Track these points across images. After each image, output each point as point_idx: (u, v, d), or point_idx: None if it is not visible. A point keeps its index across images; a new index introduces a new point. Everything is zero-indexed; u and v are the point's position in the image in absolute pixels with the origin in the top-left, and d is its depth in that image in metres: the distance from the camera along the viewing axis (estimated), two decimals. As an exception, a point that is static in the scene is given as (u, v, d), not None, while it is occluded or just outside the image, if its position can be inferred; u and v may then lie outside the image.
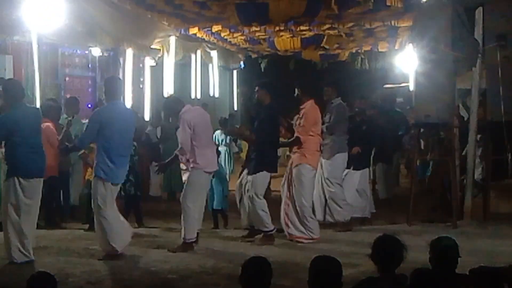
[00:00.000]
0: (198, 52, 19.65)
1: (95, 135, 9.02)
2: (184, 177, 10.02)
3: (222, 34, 17.73)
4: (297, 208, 10.42)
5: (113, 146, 9.00)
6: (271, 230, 10.32)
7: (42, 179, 8.89)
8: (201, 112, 10.24)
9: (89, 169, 11.05)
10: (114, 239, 9.05)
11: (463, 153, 12.34)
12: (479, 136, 12.32)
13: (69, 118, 11.29)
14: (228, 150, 17.29)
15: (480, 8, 11.88)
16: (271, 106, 10.53)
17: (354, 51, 21.55)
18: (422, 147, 14.76)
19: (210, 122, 10.18)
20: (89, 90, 16.00)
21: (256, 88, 10.68)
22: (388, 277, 5.24)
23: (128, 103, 16.00)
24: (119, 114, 9.17)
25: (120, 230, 9.21)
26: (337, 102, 11.29)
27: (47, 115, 10.88)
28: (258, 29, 16.61)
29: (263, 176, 10.37)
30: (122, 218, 9.48)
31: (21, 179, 8.62)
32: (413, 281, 4.96)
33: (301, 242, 10.28)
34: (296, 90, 10.84)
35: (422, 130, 13.21)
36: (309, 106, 10.58)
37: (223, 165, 15.84)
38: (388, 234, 5.56)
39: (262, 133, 10.37)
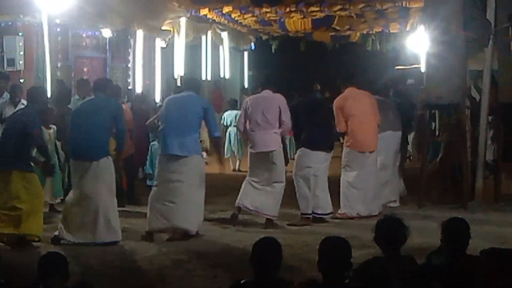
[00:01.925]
0: (209, 33, 19.62)
1: None
2: None
3: (233, 15, 17.70)
4: None
5: None
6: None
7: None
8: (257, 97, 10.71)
9: None
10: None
11: (475, 134, 12.30)
12: (490, 117, 12.26)
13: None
14: (237, 132, 17.28)
15: (492, -11, 11.81)
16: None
17: (365, 32, 21.48)
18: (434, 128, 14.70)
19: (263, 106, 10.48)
20: (100, 71, 15.98)
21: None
22: (393, 258, 5.25)
23: (139, 84, 16.07)
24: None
25: None
26: None
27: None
28: (268, 10, 16.57)
29: (299, 154, 10.75)
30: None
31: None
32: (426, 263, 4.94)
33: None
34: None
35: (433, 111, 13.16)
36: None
37: (232, 146, 15.87)
38: (389, 216, 5.57)
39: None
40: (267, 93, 10.60)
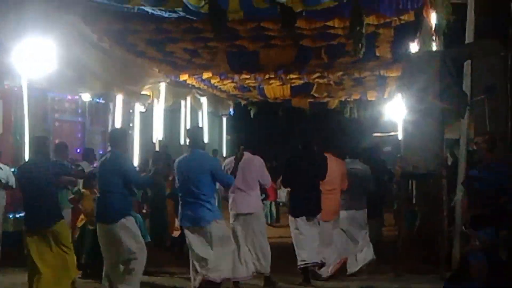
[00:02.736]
0: (188, 98, 19.75)
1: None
2: None
3: (212, 81, 17.83)
4: None
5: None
6: None
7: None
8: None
9: (81, 216, 11.15)
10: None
11: (452, 204, 12.34)
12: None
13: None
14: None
15: (469, 61, 11.98)
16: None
17: (343, 99, 21.67)
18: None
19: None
20: (79, 135, 15.99)
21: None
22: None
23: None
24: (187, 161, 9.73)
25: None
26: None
27: None
28: (248, 76, 16.72)
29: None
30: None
31: None
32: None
33: None
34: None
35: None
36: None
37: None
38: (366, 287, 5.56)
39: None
40: (246, 154, 10.71)
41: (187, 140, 10.13)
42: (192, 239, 9.46)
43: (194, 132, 10.31)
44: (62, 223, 9.45)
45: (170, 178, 14.45)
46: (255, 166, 10.72)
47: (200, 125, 21.53)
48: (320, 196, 11.09)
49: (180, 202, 9.61)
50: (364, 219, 12.07)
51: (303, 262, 10.89)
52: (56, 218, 9.38)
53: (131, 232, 9.14)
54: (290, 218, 11.21)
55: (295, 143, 11.68)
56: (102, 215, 9.23)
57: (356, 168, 11.99)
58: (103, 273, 9.25)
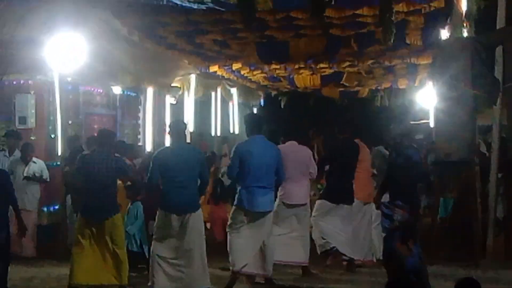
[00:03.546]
0: (218, 89, 19.73)
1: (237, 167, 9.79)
2: None
3: (242, 72, 17.81)
4: None
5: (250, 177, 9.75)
6: None
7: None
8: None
9: None
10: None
11: (485, 191, 12.26)
12: (500, 174, 12.23)
13: None
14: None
15: (500, 47, 11.88)
16: None
17: (373, 88, 21.54)
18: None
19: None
20: (111, 128, 16.06)
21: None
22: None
23: (149, 141, 16.13)
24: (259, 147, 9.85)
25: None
26: None
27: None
28: (277, 67, 16.68)
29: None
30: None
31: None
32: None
33: None
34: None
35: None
36: None
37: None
38: (470, 278, 5.52)
39: None
40: (293, 145, 10.95)
41: (245, 127, 10.33)
42: (258, 223, 9.77)
43: (254, 118, 10.59)
44: (118, 216, 9.66)
45: (212, 169, 14.54)
46: (303, 157, 10.88)
47: (231, 116, 21.62)
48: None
49: (249, 188, 9.73)
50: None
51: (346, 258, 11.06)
52: (115, 210, 9.62)
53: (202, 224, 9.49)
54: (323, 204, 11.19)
55: (329, 132, 11.67)
56: (184, 205, 9.34)
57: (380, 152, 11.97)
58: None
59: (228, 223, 10.07)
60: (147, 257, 10.43)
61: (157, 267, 9.27)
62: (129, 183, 11.06)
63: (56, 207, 13.08)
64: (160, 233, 9.38)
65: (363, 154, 11.48)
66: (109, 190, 9.55)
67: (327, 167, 11.38)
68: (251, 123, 10.21)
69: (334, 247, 10.99)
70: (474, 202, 11.75)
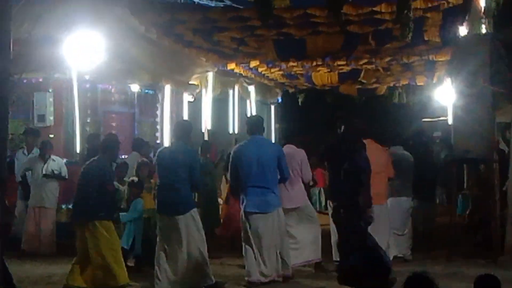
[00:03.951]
0: (236, 87, 19.76)
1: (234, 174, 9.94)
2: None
3: (260, 69, 17.82)
4: None
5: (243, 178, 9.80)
6: None
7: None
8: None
9: None
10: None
11: (503, 188, 12.20)
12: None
13: None
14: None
15: (519, 43, 11.82)
16: None
17: (391, 85, 21.49)
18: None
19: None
20: (128, 126, 16.12)
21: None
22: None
23: (166, 138, 16.17)
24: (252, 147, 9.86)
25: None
26: None
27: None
28: (295, 64, 16.66)
29: None
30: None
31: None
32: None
33: None
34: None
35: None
36: None
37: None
38: (418, 273, 5.50)
39: None
40: (289, 148, 10.82)
41: (246, 128, 10.28)
42: (260, 225, 9.70)
43: (253, 119, 10.60)
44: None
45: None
46: (296, 160, 10.78)
47: (249, 114, 21.61)
48: None
49: (245, 189, 9.74)
50: (408, 208, 11.98)
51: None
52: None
53: (198, 224, 9.42)
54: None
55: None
56: (170, 206, 9.39)
57: (398, 153, 11.89)
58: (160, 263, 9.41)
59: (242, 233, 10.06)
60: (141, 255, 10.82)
61: (160, 268, 9.37)
62: (134, 179, 11.11)
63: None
64: (160, 234, 9.52)
65: (373, 155, 11.26)
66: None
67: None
68: (250, 124, 10.27)
69: None
70: (492, 199, 11.68)
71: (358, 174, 8.93)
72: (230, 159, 10.06)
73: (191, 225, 9.35)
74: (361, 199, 8.96)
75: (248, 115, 21.29)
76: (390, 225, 11.26)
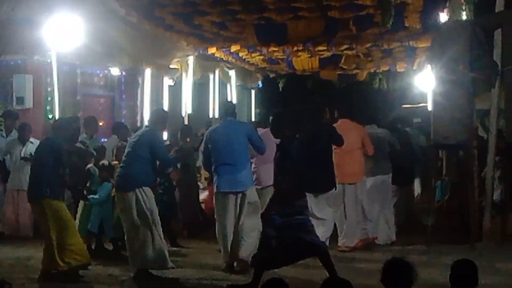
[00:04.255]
0: (217, 71, 19.70)
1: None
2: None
3: (241, 54, 17.78)
4: None
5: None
6: None
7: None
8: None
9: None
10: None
11: (482, 175, 12.28)
12: (497, 157, 12.25)
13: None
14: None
15: (499, 30, 11.85)
16: None
17: (372, 71, 21.52)
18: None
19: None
20: (108, 109, 16.06)
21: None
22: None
23: (146, 123, 16.11)
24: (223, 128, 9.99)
25: None
26: None
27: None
28: (276, 49, 16.65)
29: None
30: None
31: None
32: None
33: None
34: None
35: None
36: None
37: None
38: (397, 258, 5.54)
39: None
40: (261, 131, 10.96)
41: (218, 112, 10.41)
42: (230, 206, 9.73)
43: (225, 104, 10.89)
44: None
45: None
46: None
47: (229, 99, 21.57)
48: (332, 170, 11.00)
49: (218, 170, 9.81)
50: (389, 185, 12.02)
51: None
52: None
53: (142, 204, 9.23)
54: None
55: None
56: (120, 183, 9.43)
57: (374, 132, 11.98)
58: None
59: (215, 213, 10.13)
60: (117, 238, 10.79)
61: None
62: (104, 162, 11.07)
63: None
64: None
65: (349, 132, 11.33)
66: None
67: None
68: (223, 108, 10.66)
69: None
70: (471, 185, 11.76)
71: (283, 160, 8.84)
72: (203, 141, 10.24)
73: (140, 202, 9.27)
74: (285, 186, 8.74)
75: (229, 99, 21.30)
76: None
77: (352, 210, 11.41)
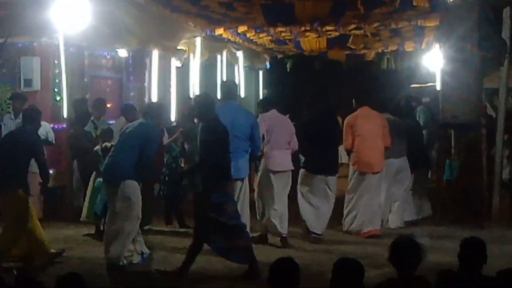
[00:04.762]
0: (224, 52, 19.66)
1: None
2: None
3: (248, 35, 17.73)
4: None
5: None
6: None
7: None
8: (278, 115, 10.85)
9: None
10: None
11: (491, 154, 12.25)
12: (506, 136, 12.21)
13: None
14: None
15: (508, 8, 11.79)
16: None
17: (380, 51, 21.43)
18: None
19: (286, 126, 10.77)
20: (116, 91, 16.05)
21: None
22: (407, 279, 5.22)
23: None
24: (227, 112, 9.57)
25: None
26: None
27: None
28: (283, 29, 16.59)
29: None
30: None
31: None
32: (438, 283, 4.93)
33: None
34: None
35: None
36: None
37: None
38: (405, 236, 5.54)
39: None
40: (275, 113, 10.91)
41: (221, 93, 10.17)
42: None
43: (228, 85, 10.64)
44: None
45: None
46: (288, 125, 10.91)
47: (237, 80, 21.53)
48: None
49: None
50: (406, 166, 11.97)
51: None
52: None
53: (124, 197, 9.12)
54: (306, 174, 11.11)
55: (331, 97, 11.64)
56: (107, 172, 9.37)
57: (389, 118, 11.90)
58: None
59: None
60: None
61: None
62: (107, 144, 11.00)
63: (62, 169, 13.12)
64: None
65: (372, 122, 11.35)
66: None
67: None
68: (224, 90, 10.31)
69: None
70: (480, 164, 11.73)
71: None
72: None
73: (123, 194, 9.12)
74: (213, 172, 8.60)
75: (236, 80, 21.26)
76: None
77: (371, 199, 11.34)
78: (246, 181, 9.95)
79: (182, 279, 8.31)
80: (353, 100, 11.67)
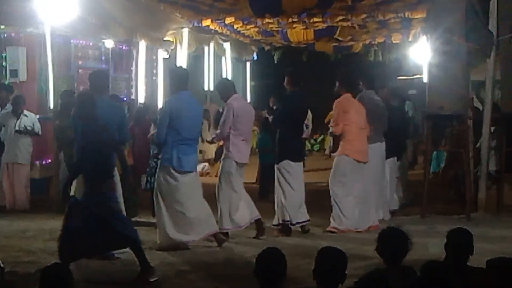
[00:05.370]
0: (211, 44, 19.65)
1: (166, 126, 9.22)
2: None
3: (235, 26, 17.71)
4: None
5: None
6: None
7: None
8: (246, 103, 10.80)
9: None
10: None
11: (477, 145, 12.29)
12: (493, 128, 12.24)
13: None
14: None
15: (495, 0, 11.81)
16: (291, 96, 10.78)
17: (367, 43, 21.46)
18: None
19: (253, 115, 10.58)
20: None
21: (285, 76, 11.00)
22: (394, 269, 5.23)
23: (141, 95, 16.10)
24: (187, 104, 9.33)
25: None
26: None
27: None
28: (271, 21, 16.58)
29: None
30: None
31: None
32: (424, 274, 4.93)
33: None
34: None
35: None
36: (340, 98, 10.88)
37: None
38: (392, 227, 5.55)
39: (281, 123, 10.57)
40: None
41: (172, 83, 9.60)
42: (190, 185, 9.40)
43: (176, 74, 9.79)
44: None
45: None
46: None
47: (224, 71, 21.51)
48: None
49: (180, 146, 9.21)
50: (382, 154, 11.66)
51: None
52: None
53: None
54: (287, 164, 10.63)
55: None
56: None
57: (373, 98, 11.39)
58: None
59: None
60: None
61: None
62: None
63: (49, 160, 13.07)
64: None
65: (359, 110, 11.01)
66: None
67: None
68: (176, 79, 9.54)
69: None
70: (466, 156, 11.76)
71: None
72: (164, 110, 9.49)
73: None
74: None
75: (223, 72, 21.23)
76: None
77: (370, 190, 10.95)
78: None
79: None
80: (336, 83, 11.21)
